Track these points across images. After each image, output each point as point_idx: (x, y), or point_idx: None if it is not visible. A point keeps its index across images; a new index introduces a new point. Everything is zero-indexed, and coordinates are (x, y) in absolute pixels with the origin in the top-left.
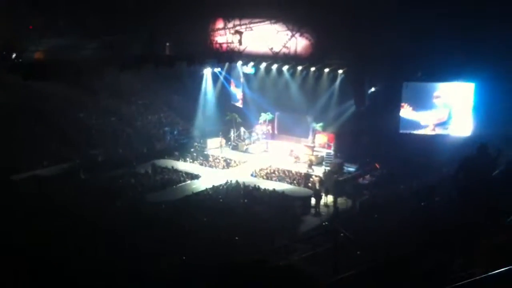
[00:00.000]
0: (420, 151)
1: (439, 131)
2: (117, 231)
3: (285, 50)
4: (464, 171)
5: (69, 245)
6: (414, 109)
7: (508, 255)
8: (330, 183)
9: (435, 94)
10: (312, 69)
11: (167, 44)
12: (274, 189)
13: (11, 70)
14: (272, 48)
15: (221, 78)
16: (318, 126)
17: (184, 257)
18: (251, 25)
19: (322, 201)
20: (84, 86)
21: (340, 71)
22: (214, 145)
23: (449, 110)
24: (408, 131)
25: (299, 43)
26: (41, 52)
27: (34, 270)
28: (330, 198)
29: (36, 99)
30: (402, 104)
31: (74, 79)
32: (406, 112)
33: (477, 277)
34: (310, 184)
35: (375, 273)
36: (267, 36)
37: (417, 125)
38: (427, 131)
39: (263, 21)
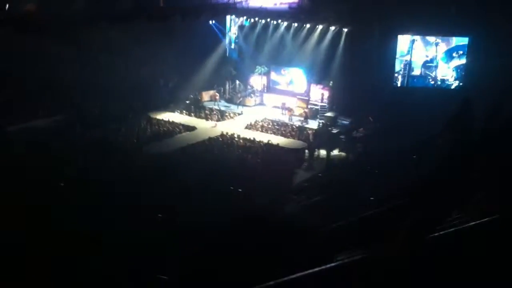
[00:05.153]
0: (413, 106)
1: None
2: (115, 182)
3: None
4: (449, 128)
5: (67, 198)
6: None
7: (494, 207)
8: (324, 136)
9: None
10: (308, 25)
11: None
12: (268, 141)
13: (2, 23)
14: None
15: (216, 30)
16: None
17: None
18: None
19: (316, 154)
20: (75, 40)
21: (334, 27)
22: (209, 98)
23: None
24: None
25: None
26: (32, 5)
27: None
28: (323, 151)
29: (27, 54)
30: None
31: (64, 33)
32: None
33: (467, 225)
34: (304, 137)
35: (366, 222)
36: None
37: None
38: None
39: None
